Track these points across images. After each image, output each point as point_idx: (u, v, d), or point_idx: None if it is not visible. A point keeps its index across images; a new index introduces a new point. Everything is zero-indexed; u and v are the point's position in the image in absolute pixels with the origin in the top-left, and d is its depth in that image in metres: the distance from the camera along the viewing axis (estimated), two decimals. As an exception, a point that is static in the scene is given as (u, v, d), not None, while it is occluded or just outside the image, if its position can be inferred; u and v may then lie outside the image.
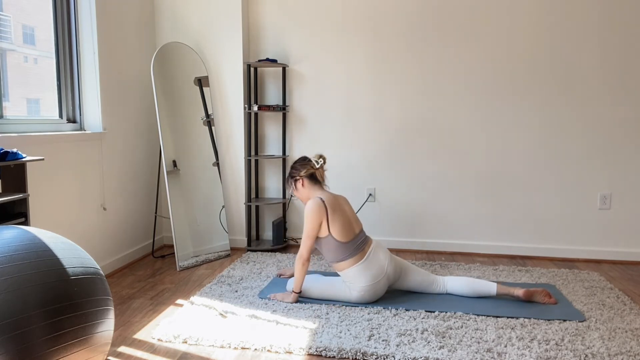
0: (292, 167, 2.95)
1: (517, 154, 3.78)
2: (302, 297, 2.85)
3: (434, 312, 2.64)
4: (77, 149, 3.06)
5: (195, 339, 2.32)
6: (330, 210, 2.75)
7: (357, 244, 2.76)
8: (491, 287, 2.82)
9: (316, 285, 2.82)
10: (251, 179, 4.05)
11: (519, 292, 2.77)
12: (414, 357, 2.14)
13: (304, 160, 2.93)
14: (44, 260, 1.70)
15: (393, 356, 2.16)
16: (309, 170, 2.88)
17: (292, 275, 3.19)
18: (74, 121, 3.23)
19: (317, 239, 2.79)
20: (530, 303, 2.77)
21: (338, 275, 3.14)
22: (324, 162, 2.92)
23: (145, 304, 2.81)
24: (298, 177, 2.90)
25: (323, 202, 2.76)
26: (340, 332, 2.39)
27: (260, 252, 3.83)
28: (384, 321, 2.52)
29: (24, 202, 2.22)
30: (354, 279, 2.73)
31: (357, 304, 2.74)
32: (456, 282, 2.88)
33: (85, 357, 1.74)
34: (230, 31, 3.83)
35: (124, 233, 3.57)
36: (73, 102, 3.22)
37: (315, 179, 2.91)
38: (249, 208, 4.01)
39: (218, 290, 2.97)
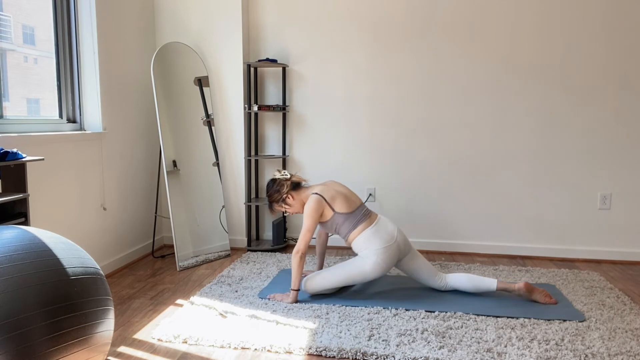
0: (272, 193, 2.96)
1: (517, 153, 3.78)
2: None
3: (434, 312, 2.64)
4: (77, 149, 3.06)
5: (195, 339, 2.32)
6: (327, 196, 2.84)
7: (362, 211, 2.88)
8: (491, 282, 2.85)
9: (329, 273, 2.82)
10: (251, 179, 4.05)
11: (520, 284, 2.79)
12: (414, 357, 2.14)
13: (276, 182, 2.96)
14: (44, 260, 1.70)
15: (393, 356, 2.16)
16: (288, 184, 2.94)
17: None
18: (74, 121, 3.23)
19: (324, 223, 2.87)
20: (530, 303, 2.77)
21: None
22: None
23: (145, 304, 2.81)
24: (286, 195, 2.94)
25: (319, 195, 2.84)
26: (340, 332, 2.39)
27: (260, 252, 3.83)
28: (384, 321, 2.52)
29: (24, 202, 2.22)
30: (366, 244, 2.78)
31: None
32: (457, 277, 2.92)
33: (85, 357, 1.74)
34: (230, 31, 3.83)
35: (124, 233, 3.57)
36: (73, 102, 3.22)
37: (298, 184, 2.98)
38: (249, 208, 4.01)
39: (218, 290, 2.97)
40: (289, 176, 2.97)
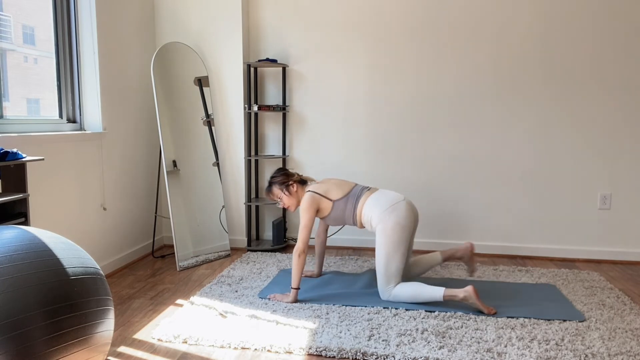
0: (279, 175, 3.02)
1: (516, 153, 3.78)
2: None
3: (434, 312, 2.64)
4: (77, 149, 3.06)
5: (195, 339, 2.32)
6: (321, 190, 2.90)
7: (359, 189, 2.91)
8: (438, 291, 2.64)
9: (376, 264, 2.77)
10: (251, 179, 4.05)
11: (466, 288, 2.60)
12: (414, 357, 2.14)
13: (287, 170, 3.05)
14: (44, 260, 1.70)
15: (393, 356, 2.16)
16: (297, 176, 3.03)
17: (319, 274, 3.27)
18: (74, 121, 3.23)
19: (330, 217, 2.90)
20: (530, 303, 2.76)
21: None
22: None
23: (145, 304, 2.81)
24: (291, 182, 2.99)
25: (312, 192, 2.89)
26: (340, 332, 2.39)
27: (260, 252, 3.83)
28: (384, 321, 2.52)
29: (24, 202, 2.22)
30: (373, 210, 2.79)
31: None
32: (404, 288, 2.71)
33: (85, 357, 1.74)
34: (230, 31, 3.83)
35: (124, 233, 3.57)
36: (73, 102, 3.22)
37: (305, 182, 3.05)
38: (249, 208, 4.01)
39: (218, 290, 2.97)
40: (301, 175, 3.07)
